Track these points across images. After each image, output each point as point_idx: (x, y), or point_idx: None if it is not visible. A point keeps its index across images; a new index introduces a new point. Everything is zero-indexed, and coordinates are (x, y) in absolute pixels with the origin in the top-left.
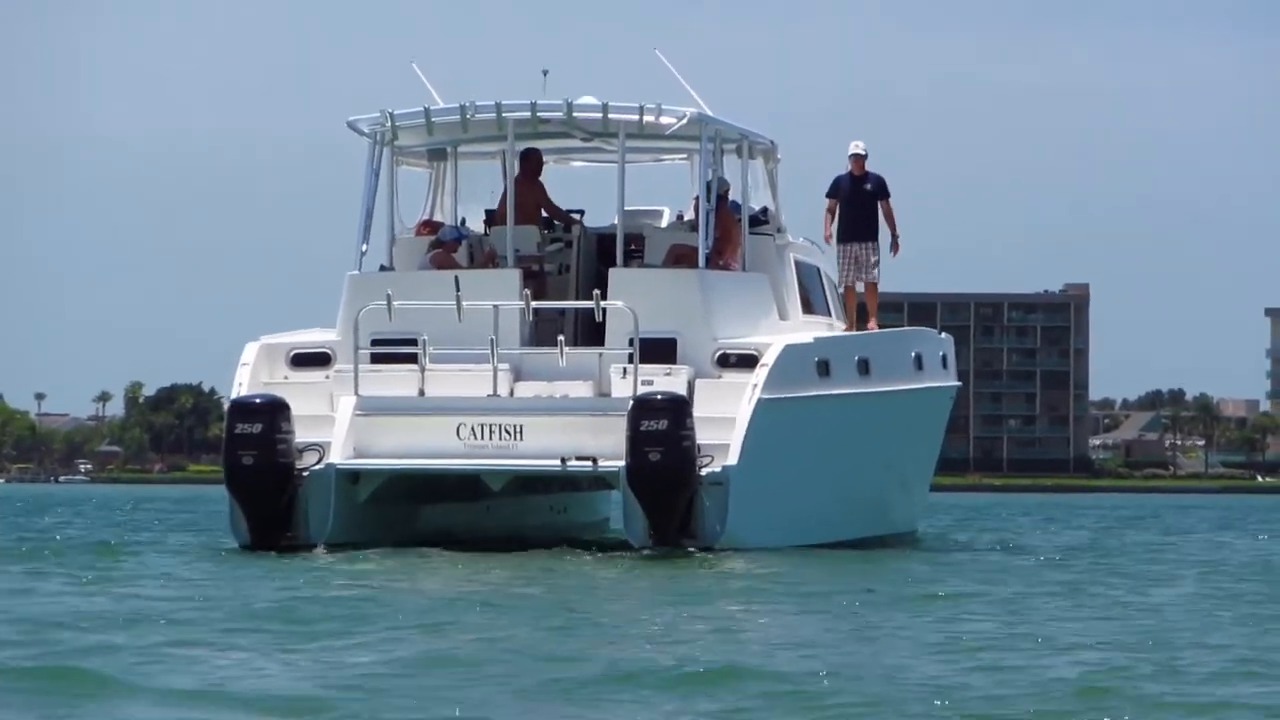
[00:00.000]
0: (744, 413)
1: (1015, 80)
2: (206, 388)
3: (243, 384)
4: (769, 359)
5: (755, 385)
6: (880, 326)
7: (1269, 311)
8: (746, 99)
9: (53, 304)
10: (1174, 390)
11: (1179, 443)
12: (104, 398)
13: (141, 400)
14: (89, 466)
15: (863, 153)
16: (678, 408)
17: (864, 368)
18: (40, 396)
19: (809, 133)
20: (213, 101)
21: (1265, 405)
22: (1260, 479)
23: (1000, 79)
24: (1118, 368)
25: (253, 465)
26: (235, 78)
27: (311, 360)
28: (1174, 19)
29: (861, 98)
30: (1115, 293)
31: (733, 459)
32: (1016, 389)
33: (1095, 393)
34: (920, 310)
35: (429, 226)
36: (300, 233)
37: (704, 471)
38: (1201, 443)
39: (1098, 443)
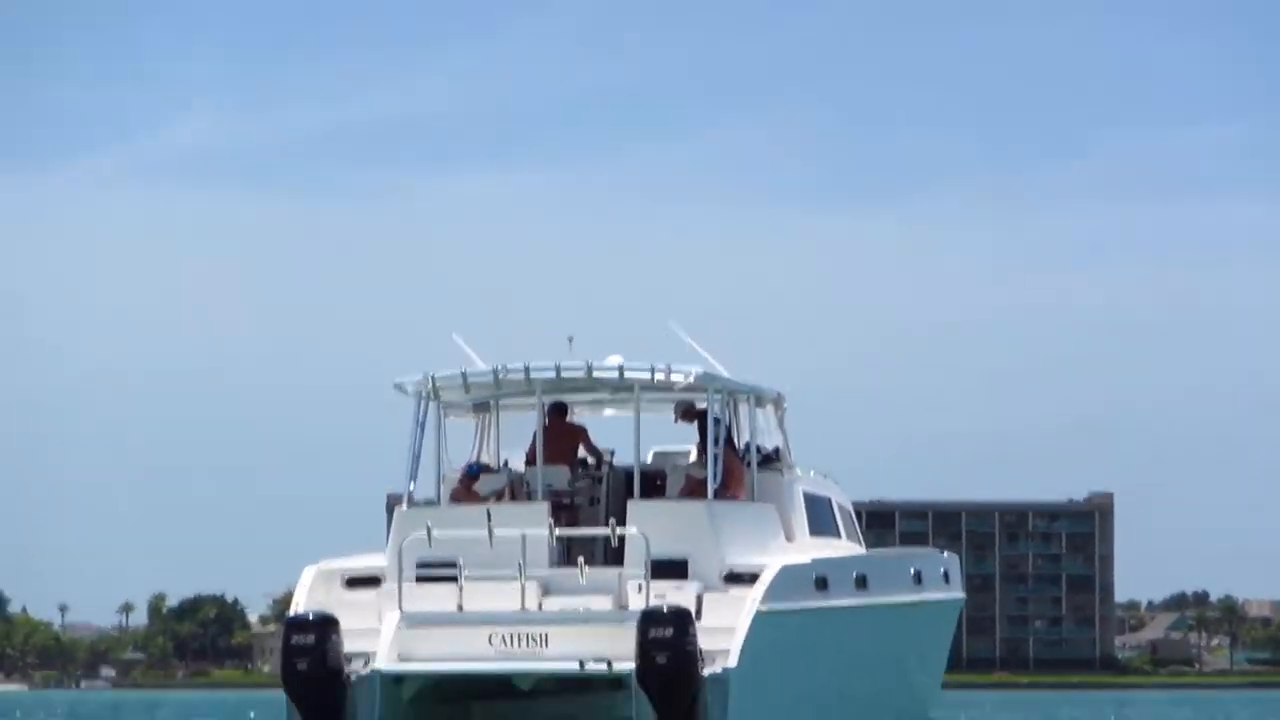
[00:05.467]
0: (743, 622)
1: (1039, 289)
2: (230, 598)
3: (299, 603)
4: (767, 577)
5: (754, 599)
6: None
7: None
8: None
9: (75, 517)
10: (1199, 592)
11: (1204, 642)
12: (127, 608)
13: (165, 611)
14: (111, 673)
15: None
16: (681, 617)
17: (862, 583)
18: (64, 608)
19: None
20: (264, 349)
21: None
22: None
23: (1021, 291)
24: (1143, 569)
25: (306, 671)
26: (285, 332)
27: (363, 582)
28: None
29: (875, 333)
30: (1140, 497)
31: (733, 661)
32: (1043, 592)
33: (1121, 594)
34: (944, 519)
35: (471, 467)
36: (326, 466)
37: (708, 673)
38: (1227, 641)
39: (1124, 642)
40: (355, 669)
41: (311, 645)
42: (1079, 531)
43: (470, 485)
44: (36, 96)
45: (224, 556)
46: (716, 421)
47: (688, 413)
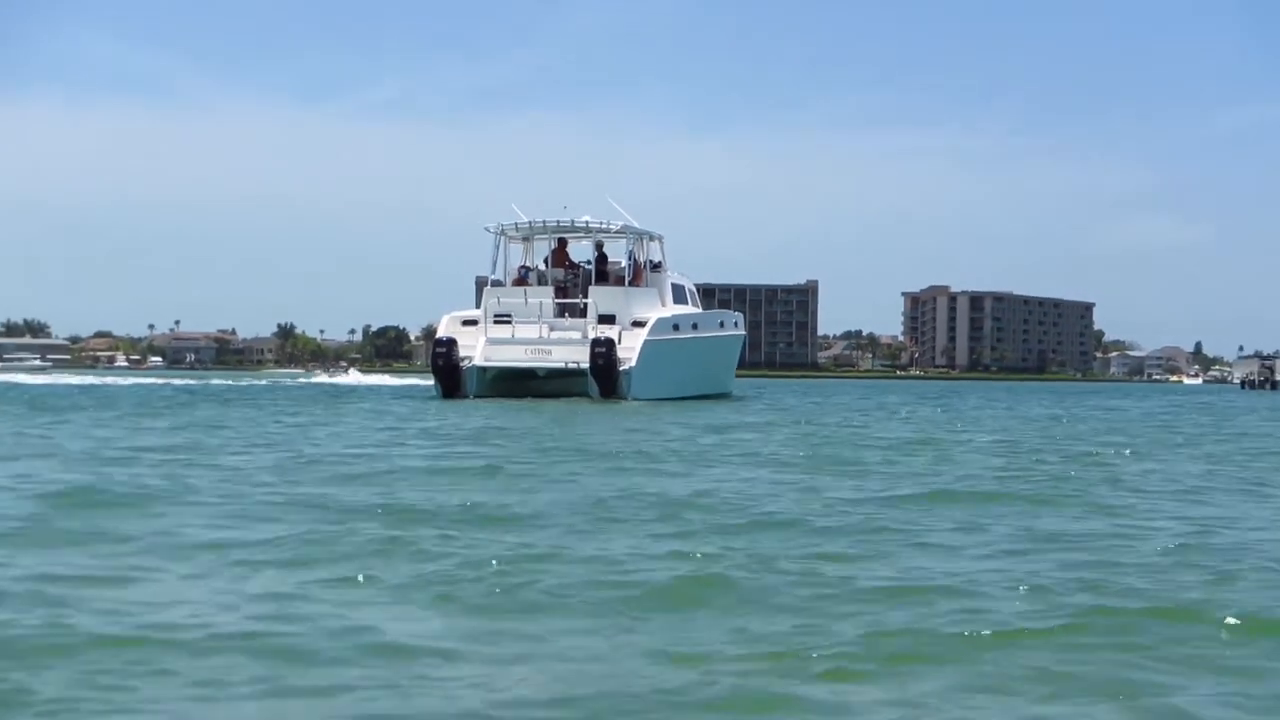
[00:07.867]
0: (638, 345)
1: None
2: (403, 327)
3: (441, 331)
4: (650, 323)
5: (644, 334)
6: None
7: (904, 294)
8: (655, 204)
9: (328, 274)
10: (858, 330)
11: (860, 356)
12: (352, 331)
13: (371, 332)
14: (345, 363)
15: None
16: (609, 342)
17: (695, 326)
18: (322, 331)
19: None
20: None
21: (901, 338)
22: (898, 372)
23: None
24: (833, 318)
25: (442, 365)
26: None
27: (470, 322)
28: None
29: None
30: (834, 280)
31: (634, 363)
32: (785, 331)
33: (822, 330)
34: (739, 293)
35: (522, 268)
36: (445, 263)
37: (622, 368)
38: (870, 355)
39: (820, 355)
40: (464, 364)
41: (445, 352)
42: (802, 300)
43: (525, 277)
44: None
45: (396, 304)
46: (631, 253)
47: (598, 247)
